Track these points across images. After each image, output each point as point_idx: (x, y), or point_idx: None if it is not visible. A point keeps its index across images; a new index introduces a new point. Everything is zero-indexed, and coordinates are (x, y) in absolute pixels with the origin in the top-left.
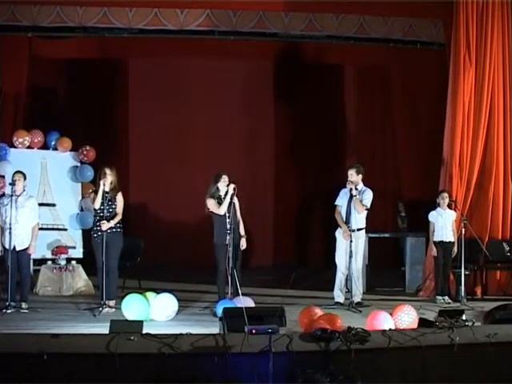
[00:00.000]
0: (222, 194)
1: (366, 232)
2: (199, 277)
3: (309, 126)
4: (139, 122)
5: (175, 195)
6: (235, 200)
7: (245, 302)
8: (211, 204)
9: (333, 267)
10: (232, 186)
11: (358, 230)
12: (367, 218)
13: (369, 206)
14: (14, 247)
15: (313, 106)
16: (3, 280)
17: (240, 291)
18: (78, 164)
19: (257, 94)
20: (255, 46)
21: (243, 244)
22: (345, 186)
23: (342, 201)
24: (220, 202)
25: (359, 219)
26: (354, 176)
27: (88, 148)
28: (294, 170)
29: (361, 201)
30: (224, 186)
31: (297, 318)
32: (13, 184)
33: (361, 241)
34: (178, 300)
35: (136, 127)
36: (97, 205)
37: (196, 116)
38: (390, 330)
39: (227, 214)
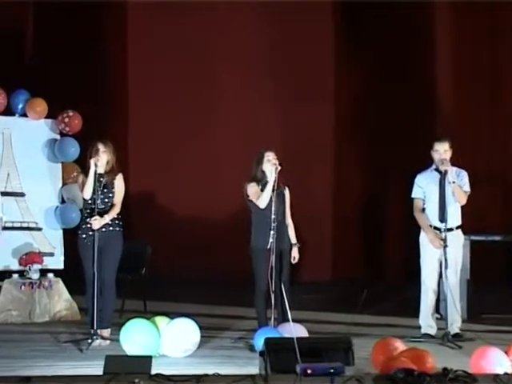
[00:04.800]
0: (271, 178)
1: (464, 233)
2: (230, 296)
3: (379, 87)
4: (142, 81)
5: (192, 183)
6: (286, 191)
7: (295, 330)
8: (253, 191)
9: (417, 284)
10: (274, 167)
11: (456, 228)
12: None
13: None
14: None
15: (387, 57)
16: None
17: (289, 316)
18: (58, 136)
19: (306, 42)
20: None
21: (295, 255)
22: (423, 169)
23: (423, 191)
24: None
25: (455, 213)
26: (448, 152)
27: (71, 114)
28: (359, 151)
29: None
30: (271, 166)
31: (369, 353)
32: None
33: (458, 245)
34: (200, 328)
35: (138, 87)
36: (86, 193)
37: (220, 73)
38: (506, 374)
39: (272, 208)
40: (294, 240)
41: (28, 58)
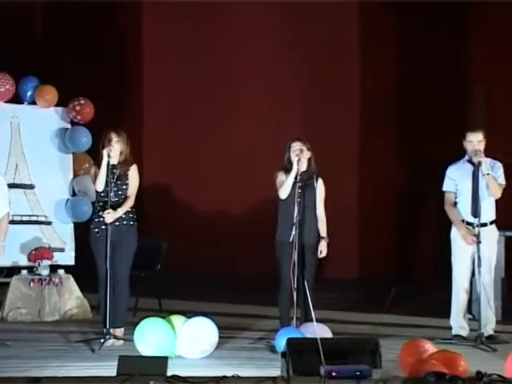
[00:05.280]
0: (301, 168)
1: (498, 228)
2: (250, 293)
3: (406, 83)
4: (159, 65)
5: (210, 175)
6: (319, 182)
7: (319, 330)
8: (278, 180)
9: (448, 283)
10: (296, 157)
11: (490, 223)
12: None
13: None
14: None
15: (414, 53)
16: None
17: (313, 315)
18: (68, 125)
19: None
20: None
21: (322, 249)
22: (454, 162)
23: (455, 184)
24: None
25: (489, 208)
26: (482, 143)
27: (82, 102)
28: (385, 147)
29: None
30: (295, 156)
31: (397, 355)
32: None
33: (492, 241)
34: (219, 328)
35: (154, 72)
36: (99, 185)
37: (238, 69)
38: None
39: (296, 199)
40: (322, 233)
41: (37, 43)
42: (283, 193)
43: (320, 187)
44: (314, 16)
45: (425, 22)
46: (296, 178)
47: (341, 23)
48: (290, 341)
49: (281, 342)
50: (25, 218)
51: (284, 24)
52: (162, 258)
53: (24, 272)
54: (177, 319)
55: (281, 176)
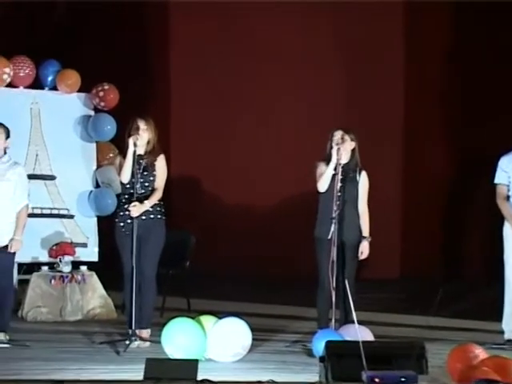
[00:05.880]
0: (342, 159)
1: None
2: (285, 293)
3: (453, 70)
4: (187, 49)
5: (241, 166)
6: (362, 175)
7: (360, 333)
8: (317, 171)
9: (499, 283)
10: (336, 146)
11: None
12: None
13: None
14: None
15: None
16: None
17: (354, 316)
18: (92, 112)
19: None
20: None
21: (363, 250)
22: (506, 152)
23: (507, 176)
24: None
25: None
26: None
27: (107, 87)
28: (432, 136)
29: None
30: (335, 146)
31: (444, 361)
32: None
33: None
34: (252, 329)
35: (182, 56)
36: (124, 176)
37: (272, 57)
38: None
39: (336, 193)
40: (365, 232)
41: (59, 25)
42: (322, 185)
43: (363, 181)
44: (356, 14)
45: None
46: (336, 169)
47: (385, 21)
48: (328, 344)
49: (319, 346)
50: (45, 211)
51: (327, 24)
52: (190, 254)
53: (44, 268)
54: (207, 320)
55: (321, 167)
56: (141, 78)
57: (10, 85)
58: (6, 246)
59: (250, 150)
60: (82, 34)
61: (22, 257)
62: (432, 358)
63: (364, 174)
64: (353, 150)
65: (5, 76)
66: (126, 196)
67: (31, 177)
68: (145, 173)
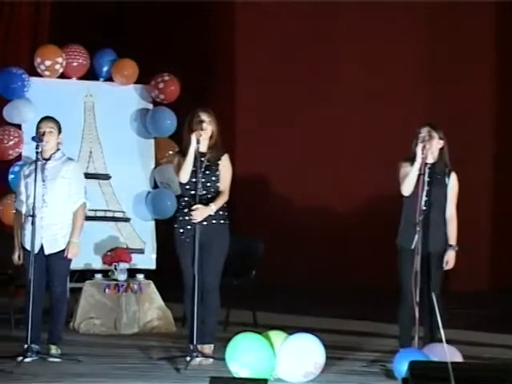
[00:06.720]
0: (428, 158)
1: None
2: (361, 307)
3: None
4: (253, 37)
5: (313, 165)
6: (452, 178)
7: (448, 353)
8: (401, 172)
9: None
10: (421, 144)
11: None
12: None
13: None
14: (41, 249)
15: None
16: (20, 306)
17: (442, 334)
18: (150, 105)
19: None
20: None
21: (449, 259)
22: None
23: None
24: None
25: None
26: None
27: (167, 78)
28: None
29: None
30: (420, 144)
31: None
32: (38, 140)
33: None
34: (325, 347)
35: (249, 46)
36: (183, 176)
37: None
38: None
39: (419, 197)
40: (451, 241)
41: (115, 13)
42: (406, 187)
43: (452, 184)
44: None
45: None
46: (421, 169)
47: (476, 23)
48: (413, 364)
49: (401, 366)
50: (99, 214)
51: (411, 23)
52: (257, 262)
53: (98, 276)
54: (276, 336)
55: (405, 167)
56: (202, 69)
57: (63, 76)
58: (63, 251)
59: (325, 149)
60: (139, 21)
61: (74, 263)
62: None
63: (454, 176)
64: (441, 149)
65: (57, 66)
66: (186, 198)
67: (84, 176)
68: (207, 172)
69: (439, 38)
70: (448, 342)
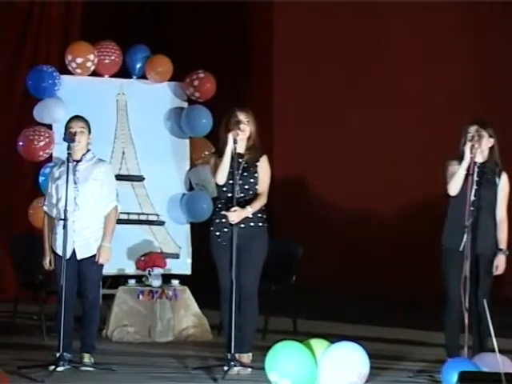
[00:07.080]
0: (477, 158)
1: None
2: (406, 314)
3: None
4: (291, 37)
5: (355, 167)
6: (503, 178)
7: (500, 363)
8: (448, 171)
9: None
10: (469, 142)
11: None
12: None
13: None
14: (73, 254)
15: None
16: (52, 313)
17: (495, 343)
18: (185, 104)
19: None
20: None
21: (499, 264)
22: None
23: None
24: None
25: None
26: None
27: (202, 75)
28: None
29: None
30: (468, 143)
31: None
32: (70, 140)
33: None
34: (370, 356)
35: (286, 45)
36: (220, 177)
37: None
38: None
39: (469, 197)
40: (501, 244)
41: (150, 7)
42: (452, 187)
43: (503, 184)
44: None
45: None
46: (469, 169)
47: None
48: (463, 375)
49: (450, 377)
50: (132, 217)
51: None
52: (297, 267)
53: (132, 282)
54: (318, 344)
55: (452, 166)
56: (239, 68)
57: (94, 73)
58: (96, 255)
59: (366, 148)
60: (174, 17)
61: (106, 268)
62: None
63: (505, 176)
64: (491, 148)
65: (88, 63)
66: (223, 200)
67: (117, 177)
68: (244, 173)
69: (489, 36)
70: (499, 351)
